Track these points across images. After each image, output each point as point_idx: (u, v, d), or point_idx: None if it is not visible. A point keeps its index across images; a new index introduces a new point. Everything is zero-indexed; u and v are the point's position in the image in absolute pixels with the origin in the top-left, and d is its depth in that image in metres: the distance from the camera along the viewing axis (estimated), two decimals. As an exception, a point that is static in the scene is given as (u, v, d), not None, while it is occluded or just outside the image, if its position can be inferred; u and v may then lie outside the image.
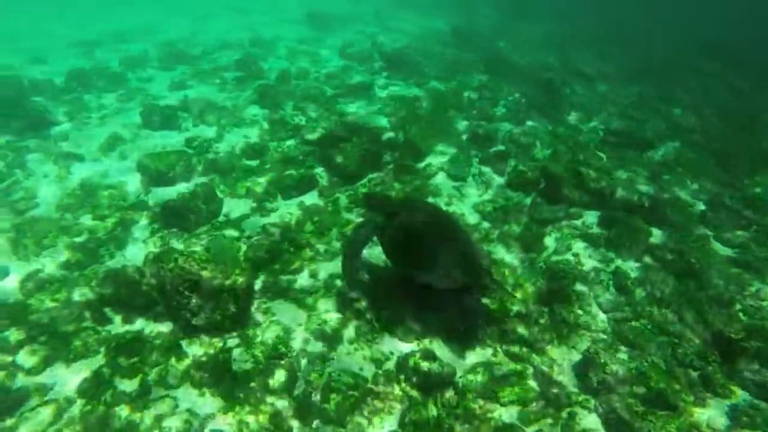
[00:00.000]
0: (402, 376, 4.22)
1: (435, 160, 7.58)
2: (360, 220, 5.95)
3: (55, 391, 4.07)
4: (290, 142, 8.03)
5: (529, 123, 9.09)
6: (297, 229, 5.93)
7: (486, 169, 7.42)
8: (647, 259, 5.79)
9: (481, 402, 4.10)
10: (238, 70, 11.74)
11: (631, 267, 5.68)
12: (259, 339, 4.46)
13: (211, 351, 4.34)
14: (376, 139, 7.29)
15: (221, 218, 6.23)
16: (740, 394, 4.32)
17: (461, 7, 19.88)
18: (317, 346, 4.51)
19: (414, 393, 4.12)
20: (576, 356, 4.55)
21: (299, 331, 4.63)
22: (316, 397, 4.01)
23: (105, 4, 19.71)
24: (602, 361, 4.26)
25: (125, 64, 12.47)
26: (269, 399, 4.00)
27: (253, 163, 7.44)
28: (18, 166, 7.16)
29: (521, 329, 4.67)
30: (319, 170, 7.21)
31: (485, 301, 4.85)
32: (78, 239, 5.78)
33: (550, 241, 6.03)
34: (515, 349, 4.55)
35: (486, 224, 6.25)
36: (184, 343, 4.43)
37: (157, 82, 11.27)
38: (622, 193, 6.63)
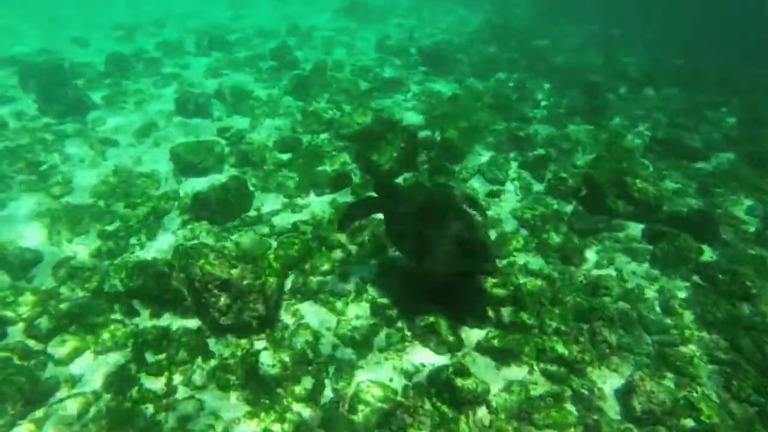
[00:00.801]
0: (433, 390, 4.03)
1: (471, 162, 7.32)
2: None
3: (82, 382, 4.04)
4: (324, 136, 7.89)
5: (571, 127, 8.70)
6: (329, 228, 5.77)
7: (525, 174, 7.13)
8: (696, 279, 5.44)
9: (515, 423, 3.88)
10: (274, 59, 11.67)
11: (678, 286, 5.32)
12: (287, 343, 4.34)
13: (238, 353, 4.24)
14: (411, 138, 7.08)
15: (252, 213, 6.13)
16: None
17: (501, 2, 19.38)
18: (346, 353, 4.37)
19: (445, 409, 3.93)
20: (618, 380, 4.26)
21: (328, 336, 4.50)
22: (344, 408, 3.87)
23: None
24: (648, 388, 3.97)
25: (163, 49, 12.58)
26: (295, 407, 3.87)
27: (286, 156, 7.32)
28: (56, 150, 7.23)
29: (560, 347, 4.42)
30: (353, 167, 7.04)
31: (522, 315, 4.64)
32: (110, 227, 5.78)
33: (591, 254, 5.72)
34: (553, 368, 4.31)
35: (524, 232, 5.99)
36: (210, 342, 4.35)
37: (193, 69, 11.32)
38: (670, 206, 6.23)
